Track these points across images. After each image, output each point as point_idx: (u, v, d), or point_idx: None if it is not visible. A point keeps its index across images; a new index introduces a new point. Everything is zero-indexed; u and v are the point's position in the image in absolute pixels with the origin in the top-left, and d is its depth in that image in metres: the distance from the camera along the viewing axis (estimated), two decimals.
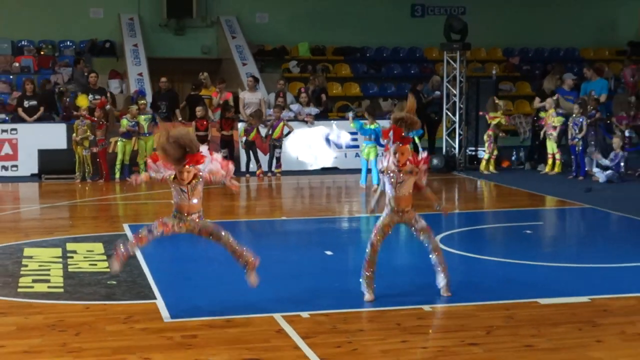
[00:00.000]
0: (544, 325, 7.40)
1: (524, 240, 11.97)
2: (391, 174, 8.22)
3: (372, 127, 16.43)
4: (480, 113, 19.87)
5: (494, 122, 18.72)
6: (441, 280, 8.37)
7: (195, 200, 7.66)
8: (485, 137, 19.01)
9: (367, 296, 8.18)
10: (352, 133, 20.23)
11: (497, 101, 19.06)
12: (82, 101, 18.69)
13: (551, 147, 18.50)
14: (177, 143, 7.27)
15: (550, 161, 18.59)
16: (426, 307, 8.02)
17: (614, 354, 6.73)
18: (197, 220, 7.81)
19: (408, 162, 8.22)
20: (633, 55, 25.97)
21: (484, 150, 19.17)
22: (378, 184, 16.83)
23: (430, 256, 8.36)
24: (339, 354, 6.73)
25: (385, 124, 18.22)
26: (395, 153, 8.15)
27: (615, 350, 6.81)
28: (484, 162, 19.00)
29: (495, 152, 18.96)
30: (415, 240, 11.58)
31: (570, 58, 26.43)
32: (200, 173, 7.56)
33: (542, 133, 18.72)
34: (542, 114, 18.82)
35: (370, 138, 16.58)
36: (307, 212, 15.02)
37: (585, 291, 8.48)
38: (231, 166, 7.89)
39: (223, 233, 7.84)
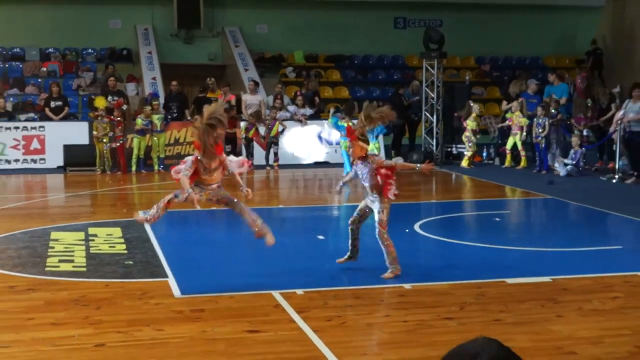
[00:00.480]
0: (511, 302, 7.42)
1: (494, 227, 12.00)
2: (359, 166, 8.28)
3: (345, 124, 16.58)
4: (455, 114, 19.88)
5: (469, 127, 18.79)
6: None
7: (215, 175, 7.84)
8: (463, 138, 19.04)
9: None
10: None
11: (472, 104, 19.09)
12: (100, 102, 18.66)
13: (512, 143, 18.54)
14: (216, 118, 7.48)
15: (508, 156, 18.65)
16: (407, 286, 8.04)
17: (572, 327, 6.76)
18: (216, 189, 7.94)
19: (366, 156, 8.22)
20: (584, 64, 26.02)
21: (464, 150, 19.26)
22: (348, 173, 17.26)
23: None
24: (329, 327, 6.74)
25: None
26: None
27: (574, 324, 6.84)
28: (465, 159, 19.05)
29: (475, 149, 19.03)
30: (400, 225, 11.62)
31: (535, 65, 26.44)
32: (224, 160, 7.85)
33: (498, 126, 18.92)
34: (508, 115, 18.84)
35: (342, 134, 16.83)
36: (301, 201, 15.03)
37: (547, 272, 8.51)
38: (246, 165, 8.24)
39: (235, 200, 8.04)
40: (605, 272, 8.66)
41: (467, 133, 18.84)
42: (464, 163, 19.09)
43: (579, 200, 13.79)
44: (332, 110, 17.90)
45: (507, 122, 18.82)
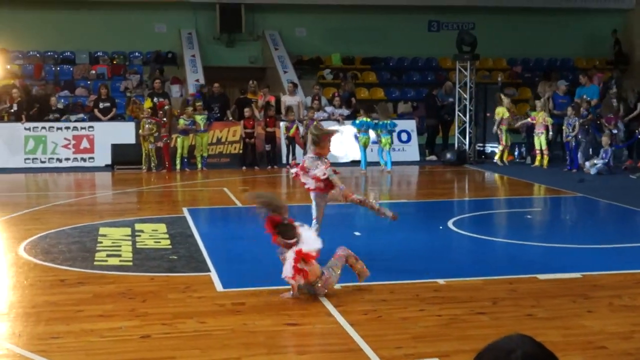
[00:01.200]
0: (543, 298, 7.33)
1: (525, 224, 11.89)
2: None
3: (366, 120, 17.61)
4: (488, 114, 19.75)
5: (499, 116, 18.68)
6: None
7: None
8: (497, 131, 18.91)
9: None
10: None
11: (502, 96, 19.00)
12: (147, 103, 18.80)
13: (539, 143, 18.33)
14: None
15: (538, 156, 18.42)
16: (441, 281, 7.98)
17: (603, 323, 6.66)
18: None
19: None
20: (620, 65, 25.72)
21: (496, 147, 19.17)
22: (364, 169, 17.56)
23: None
24: (365, 320, 6.71)
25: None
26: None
27: (604, 320, 6.74)
28: (497, 154, 18.94)
29: (509, 143, 18.88)
30: (434, 222, 11.57)
31: (566, 67, 26.16)
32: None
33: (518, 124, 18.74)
34: (532, 113, 18.63)
35: (361, 130, 17.71)
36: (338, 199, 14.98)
37: (578, 268, 8.40)
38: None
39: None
40: (635, 269, 8.53)
41: (501, 125, 18.70)
42: (497, 157, 18.97)
43: (609, 198, 13.60)
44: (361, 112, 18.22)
45: (528, 119, 18.63)
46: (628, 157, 18.58)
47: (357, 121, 17.89)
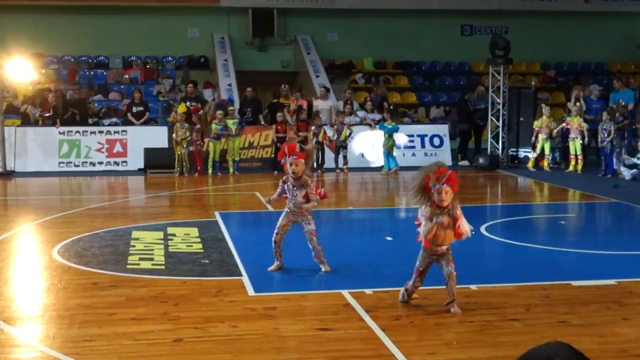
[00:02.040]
0: (576, 304, 7.26)
1: (559, 230, 11.80)
2: (289, 183, 8.37)
3: (389, 126, 18.26)
4: (521, 119, 19.63)
5: (535, 127, 18.61)
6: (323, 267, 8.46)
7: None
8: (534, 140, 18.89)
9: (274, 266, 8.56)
10: (409, 135, 20.16)
11: (543, 107, 18.86)
12: (181, 108, 18.92)
13: (574, 148, 18.18)
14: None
15: (572, 161, 18.26)
16: (473, 287, 7.93)
17: (638, 330, 6.58)
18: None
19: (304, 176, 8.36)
20: None
21: (530, 153, 19.12)
22: (396, 167, 17.66)
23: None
24: (398, 326, 6.69)
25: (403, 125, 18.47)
26: (291, 164, 8.25)
27: None
28: (531, 161, 18.83)
29: (548, 151, 18.75)
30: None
31: (600, 71, 25.92)
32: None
33: (555, 131, 18.54)
34: (568, 118, 18.47)
35: (386, 134, 18.36)
36: (370, 203, 14.98)
37: (613, 275, 8.31)
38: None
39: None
40: None
41: (540, 135, 18.62)
42: (530, 164, 18.87)
43: None
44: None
45: (563, 124, 18.47)
46: None
47: (386, 125, 18.53)
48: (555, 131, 18.70)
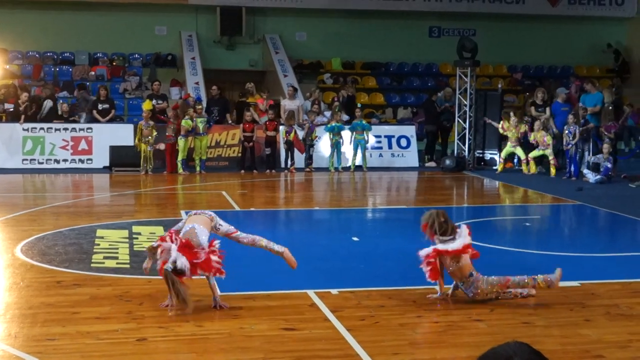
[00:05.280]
0: (540, 306, 7.35)
1: (523, 232, 11.92)
2: None
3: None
4: (487, 120, 19.76)
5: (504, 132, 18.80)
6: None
7: None
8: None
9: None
10: (376, 136, 20.23)
11: (511, 113, 18.96)
12: (147, 105, 18.82)
13: (533, 154, 18.36)
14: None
15: (532, 164, 18.43)
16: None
17: (600, 331, 6.68)
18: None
19: None
20: (623, 74, 25.85)
21: (496, 155, 19.28)
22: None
23: None
24: (363, 326, 6.73)
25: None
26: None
27: (602, 328, 6.76)
28: (500, 165, 18.92)
29: (523, 156, 18.84)
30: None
31: (566, 75, 26.20)
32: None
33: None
34: (531, 138, 18.50)
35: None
36: (336, 203, 15.01)
37: (576, 277, 8.41)
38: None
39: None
40: (633, 278, 8.55)
41: (508, 142, 18.80)
42: (499, 168, 18.98)
43: (608, 207, 13.62)
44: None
45: (531, 139, 18.55)
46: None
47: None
48: (520, 136, 18.81)
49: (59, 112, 19.57)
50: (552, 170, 18.16)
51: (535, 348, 2.04)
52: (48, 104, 19.45)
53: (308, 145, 18.96)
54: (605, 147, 17.24)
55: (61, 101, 20.86)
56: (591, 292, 7.89)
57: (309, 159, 18.98)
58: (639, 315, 7.20)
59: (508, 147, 18.81)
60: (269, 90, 21.12)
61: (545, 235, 11.98)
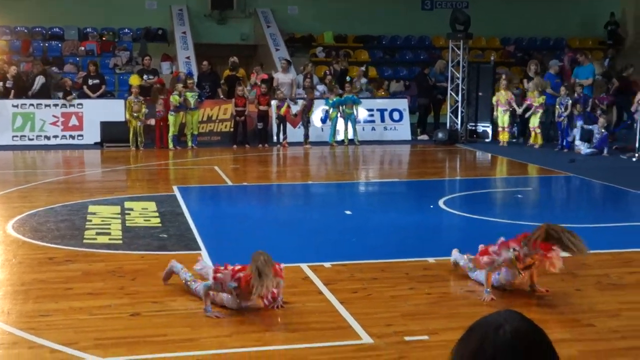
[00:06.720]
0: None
1: (516, 203, 11.97)
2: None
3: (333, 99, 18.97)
4: (480, 94, 19.74)
5: (496, 100, 18.83)
6: None
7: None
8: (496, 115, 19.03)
9: None
10: (368, 110, 20.22)
11: (503, 76, 18.96)
12: (134, 80, 18.67)
13: (534, 122, 18.40)
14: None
15: (533, 134, 18.50)
16: (430, 259, 8.04)
17: (591, 301, 6.74)
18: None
19: None
20: (616, 45, 25.82)
21: (488, 125, 19.28)
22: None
23: None
24: (355, 298, 6.77)
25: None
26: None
27: (592, 298, 6.83)
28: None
29: (505, 124, 18.89)
30: (425, 201, 11.65)
31: (559, 47, 26.16)
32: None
33: (521, 110, 18.71)
34: (529, 94, 18.66)
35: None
36: (329, 177, 15.03)
37: None
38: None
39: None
40: (623, 248, 8.63)
41: (499, 108, 18.80)
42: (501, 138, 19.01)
43: (600, 178, 13.67)
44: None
45: (528, 102, 18.61)
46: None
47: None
48: (520, 110, 18.81)
49: (51, 89, 19.48)
50: (539, 139, 18.19)
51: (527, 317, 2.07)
52: (40, 80, 19.35)
53: (306, 121, 18.86)
54: (601, 120, 17.21)
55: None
56: (582, 262, 7.94)
57: (307, 136, 18.85)
58: (629, 284, 7.27)
59: (500, 114, 18.77)
60: (261, 65, 21.03)
61: (537, 206, 12.03)
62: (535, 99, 18.25)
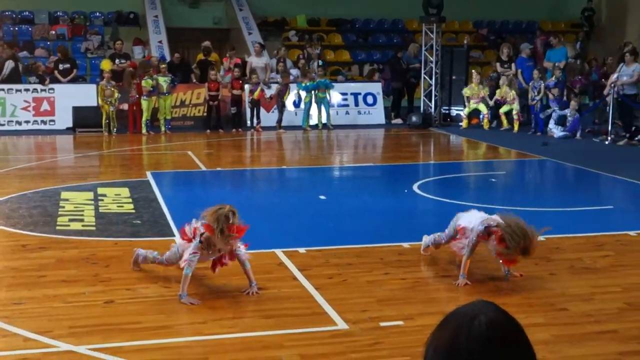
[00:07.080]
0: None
1: (490, 187, 12.02)
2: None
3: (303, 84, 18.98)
4: (454, 77, 19.77)
5: (466, 94, 18.89)
6: None
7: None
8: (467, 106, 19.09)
9: None
10: (342, 93, 20.21)
11: (474, 76, 19.03)
12: (106, 65, 18.48)
13: (507, 109, 18.53)
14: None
15: (504, 119, 18.61)
16: (405, 244, 8.06)
17: (564, 285, 6.80)
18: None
19: None
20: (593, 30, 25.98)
21: (462, 109, 19.36)
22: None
23: None
24: (330, 284, 6.78)
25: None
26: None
27: (566, 282, 6.88)
28: (465, 122, 19.04)
29: (468, 112, 19.01)
30: (399, 185, 11.67)
31: (531, 30, 26.26)
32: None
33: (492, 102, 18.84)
34: (498, 92, 18.67)
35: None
36: (303, 162, 15.01)
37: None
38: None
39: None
40: (596, 232, 8.70)
41: (471, 101, 18.88)
42: (463, 124, 19.07)
43: (572, 162, 13.77)
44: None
45: (496, 96, 18.71)
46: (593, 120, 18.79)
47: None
48: (491, 102, 18.89)
49: (22, 73, 19.26)
50: (516, 126, 18.29)
51: (501, 302, 2.09)
52: (10, 64, 19.12)
53: (280, 105, 18.79)
54: (573, 104, 17.30)
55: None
56: (556, 246, 8.01)
57: (281, 120, 18.78)
58: (602, 268, 7.34)
59: (471, 104, 18.89)
60: (235, 48, 20.91)
61: (510, 190, 12.09)
62: (507, 94, 18.34)
